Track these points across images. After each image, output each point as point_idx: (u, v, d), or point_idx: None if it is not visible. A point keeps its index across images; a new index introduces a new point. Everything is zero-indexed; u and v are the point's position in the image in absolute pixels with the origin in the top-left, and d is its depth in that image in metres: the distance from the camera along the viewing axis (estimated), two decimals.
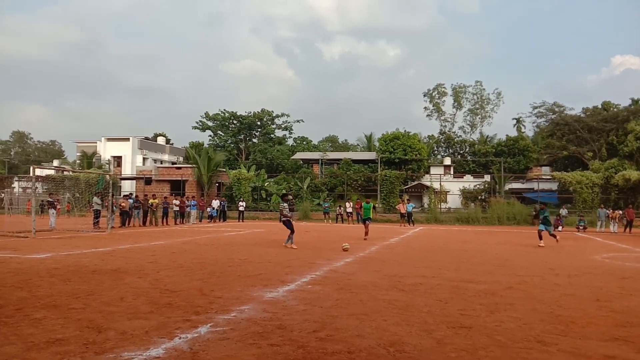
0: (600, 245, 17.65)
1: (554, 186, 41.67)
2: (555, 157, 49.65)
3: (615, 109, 51.46)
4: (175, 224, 28.13)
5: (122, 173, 52.37)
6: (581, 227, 27.05)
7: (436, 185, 41.45)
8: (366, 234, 17.90)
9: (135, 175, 49.59)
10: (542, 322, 5.66)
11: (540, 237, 16.57)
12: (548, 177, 44.43)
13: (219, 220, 32.12)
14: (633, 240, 20.69)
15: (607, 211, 27.63)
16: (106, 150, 56.05)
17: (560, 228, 27.17)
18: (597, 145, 45.96)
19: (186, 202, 30.22)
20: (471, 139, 61.19)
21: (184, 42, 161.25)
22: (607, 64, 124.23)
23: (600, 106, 54.61)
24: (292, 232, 14.34)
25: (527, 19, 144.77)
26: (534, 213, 31.55)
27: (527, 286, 8.19)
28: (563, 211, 29.82)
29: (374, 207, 25.38)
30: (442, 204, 40.76)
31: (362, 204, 18.55)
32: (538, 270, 10.25)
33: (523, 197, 41.20)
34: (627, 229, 24.92)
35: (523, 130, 62.60)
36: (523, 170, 48.59)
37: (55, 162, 62.64)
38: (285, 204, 14.89)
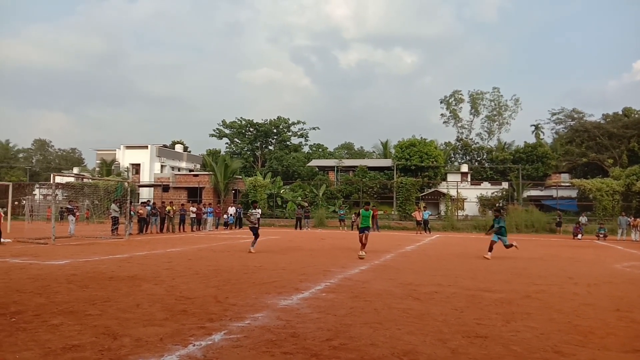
0: (621, 254, 17.28)
1: (573, 193, 41.01)
2: (574, 164, 48.91)
3: (636, 115, 50.53)
4: (192, 230, 28.34)
5: (140, 180, 52.97)
6: (601, 235, 26.53)
7: (453, 193, 41.11)
8: (363, 247, 14.21)
9: (153, 183, 50.15)
10: (559, 332, 5.56)
11: (490, 249, 14.59)
12: (567, 184, 43.75)
13: (235, 227, 32.27)
14: None
15: (629, 219, 27.05)
16: (125, 158, 56.81)
17: (580, 236, 26.71)
18: (617, 152, 45.15)
19: (203, 209, 30.46)
20: (488, 146, 60.66)
21: (203, 51, 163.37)
22: (628, 70, 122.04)
23: (620, 112, 53.67)
24: (256, 238, 15.36)
25: (546, 26, 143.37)
26: (558, 220, 31.15)
27: (545, 295, 8.05)
28: (583, 219, 29.27)
29: (374, 216, 23.56)
30: (459, 211, 40.35)
31: (361, 211, 14.87)
32: (556, 279, 10.08)
33: (542, 204, 40.59)
34: None
35: (542, 137, 61.88)
36: (542, 177, 47.94)
37: (75, 170, 63.65)
38: (255, 211, 16.03)
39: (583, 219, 29.21)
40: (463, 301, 7.38)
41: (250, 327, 5.53)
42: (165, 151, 60.35)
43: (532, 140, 59.29)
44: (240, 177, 47.48)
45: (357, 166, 50.35)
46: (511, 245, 14.79)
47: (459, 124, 64.93)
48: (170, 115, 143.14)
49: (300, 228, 32.38)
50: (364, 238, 14.27)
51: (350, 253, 15.25)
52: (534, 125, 64.07)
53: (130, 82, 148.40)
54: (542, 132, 62.45)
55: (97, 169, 56.91)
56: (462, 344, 4.99)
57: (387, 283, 9.08)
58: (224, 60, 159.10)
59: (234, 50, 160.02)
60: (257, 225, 15.67)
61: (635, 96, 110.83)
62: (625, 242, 24.77)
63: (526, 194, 42.31)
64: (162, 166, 56.82)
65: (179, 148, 65.10)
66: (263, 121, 68.61)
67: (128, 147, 57.74)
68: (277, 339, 5.02)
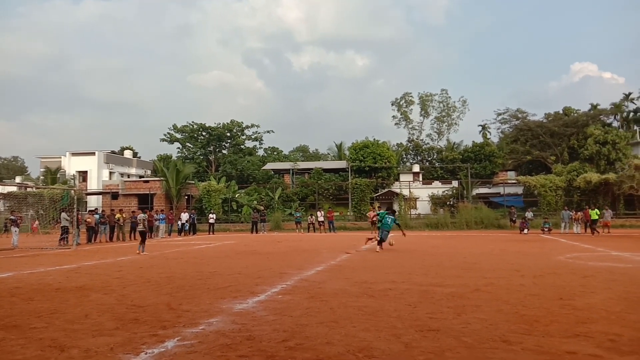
0: (564, 246, 18.16)
1: (519, 190, 42.75)
2: (519, 162, 50.99)
3: (575, 114, 53.26)
4: (135, 238, 27.53)
5: (88, 188, 51.08)
6: (546, 229, 27.78)
7: (406, 192, 42.00)
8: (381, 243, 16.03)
9: (101, 190, 48.44)
10: (507, 322, 5.78)
11: (380, 243, 15.88)
12: (513, 181, 45.59)
13: (189, 234, 31.64)
14: (595, 240, 21.38)
15: (571, 213, 28.50)
16: (71, 165, 54.64)
17: (526, 231, 27.87)
18: (559, 149, 47.42)
19: (155, 215, 29.68)
20: (439, 146, 62.32)
21: (152, 54, 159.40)
22: (567, 71, 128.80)
23: (561, 111, 56.44)
24: (144, 241, 16.77)
25: (492, 29, 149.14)
26: (512, 218, 32.34)
27: (494, 288, 8.36)
28: (528, 214, 30.59)
29: (330, 217, 24.07)
30: (411, 210, 41.25)
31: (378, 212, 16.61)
32: (504, 272, 10.47)
33: (490, 201, 42.12)
34: (588, 230, 25.65)
35: (488, 136, 64.24)
36: (489, 175, 49.72)
37: (18, 179, 60.60)
38: (143, 216, 17.89)
39: (529, 214, 30.53)
40: (416, 296, 7.56)
41: (205, 332, 5.45)
42: (114, 157, 58.51)
43: (479, 139, 61.52)
44: (193, 182, 46.63)
45: (312, 168, 50.54)
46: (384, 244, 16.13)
47: (410, 126, 66.42)
48: (119, 120, 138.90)
49: (257, 232, 32.16)
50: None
51: (307, 255, 15.30)
52: (481, 126, 66.54)
53: (76, 87, 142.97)
54: (488, 131, 64.87)
55: (41, 177, 54.37)
56: (415, 338, 5.11)
57: (342, 282, 9.16)
58: (174, 63, 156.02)
59: (184, 53, 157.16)
60: (145, 230, 17.40)
61: (574, 96, 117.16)
62: (568, 234, 26.04)
63: (475, 191, 43.79)
64: (110, 173, 55.05)
65: (128, 154, 63.30)
66: (216, 125, 67.70)
67: (74, 154, 55.58)
68: (233, 343, 4.97)
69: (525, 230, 27.95)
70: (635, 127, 57.47)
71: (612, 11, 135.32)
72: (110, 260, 14.53)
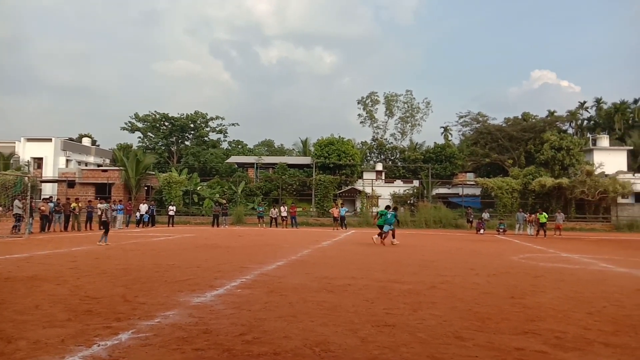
0: (518, 247, 18.81)
1: (477, 191, 43.91)
2: (478, 164, 52.37)
3: (533, 120, 55.10)
4: (100, 229, 26.79)
5: (43, 175, 49.14)
6: (501, 230, 28.68)
7: (368, 190, 42.44)
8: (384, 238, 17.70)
9: (57, 178, 46.72)
10: (461, 319, 5.96)
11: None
12: (472, 182, 46.75)
13: (148, 225, 30.98)
14: (547, 242, 22.23)
15: (525, 215, 29.52)
16: (25, 151, 52.36)
17: (482, 231, 28.70)
18: (516, 153, 48.96)
19: (112, 206, 28.85)
20: (401, 146, 63.19)
21: (115, 39, 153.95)
22: (527, 78, 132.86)
23: (520, 117, 58.29)
24: (107, 232, 16.56)
25: (458, 33, 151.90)
26: (470, 219, 33.16)
27: (449, 285, 8.59)
28: (485, 215, 31.50)
29: (293, 213, 25.49)
30: (373, 208, 41.73)
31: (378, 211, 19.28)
32: (460, 271, 10.77)
33: (449, 201, 43.12)
34: (540, 232, 26.64)
35: (450, 138, 65.64)
36: (449, 176, 50.84)
37: None
38: (105, 206, 17.50)
39: (485, 215, 31.46)
40: (374, 292, 7.68)
41: (161, 325, 5.37)
42: (72, 145, 56.51)
43: (441, 141, 62.73)
44: (154, 173, 45.63)
45: (277, 163, 50.32)
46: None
47: (375, 125, 67.00)
48: (78, 106, 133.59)
49: (218, 225, 31.81)
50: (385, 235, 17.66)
51: (269, 249, 15.28)
52: (443, 127, 67.89)
53: (34, 69, 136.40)
54: (450, 133, 66.27)
55: None
56: (372, 333, 5.21)
57: (303, 277, 9.21)
58: (138, 50, 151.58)
59: (149, 40, 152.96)
60: (108, 221, 17.04)
61: (533, 102, 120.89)
62: (522, 236, 26.98)
63: (435, 191, 44.70)
64: (67, 161, 53.11)
65: (86, 142, 61.21)
66: (179, 115, 66.33)
67: (29, 140, 53.30)
68: (189, 336, 4.92)
69: (482, 231, 28.77)
70: (589, 135, 60.00)
71: (572, 22, 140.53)
72: (64, 250, 14.09)
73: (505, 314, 6.34)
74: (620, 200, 37.99)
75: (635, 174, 42.64)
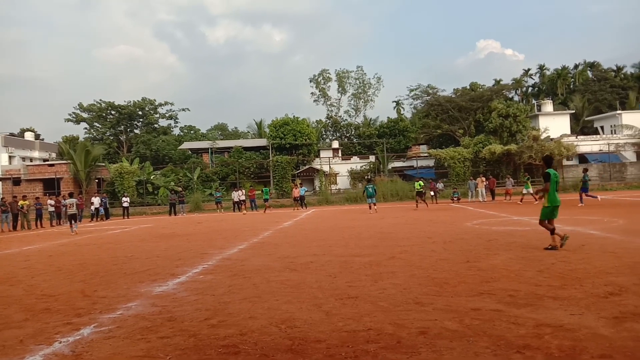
0: (472, 214, 19.47)
1: (431, 163, 44.95)
2: (431, 136, 53.45)
3: (481, 89, 56.59)
4: (52, 225, 25.85)
5: None
6: (455, 199, 29.58)
7: (326, 168, 42.68)
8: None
9: (0, 176, 44.47)
10: (420, 286, 6.19)
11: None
12: (425, 154, 47.78)
13: (102, 219, 30.09)
14: (498, 206, 23.13)
15: (476, 182, 30.52)
16: None
17: (432, 193, 29.49)
18: (466, 123, 50.24)
19: (62, 201, 27.81)
20: (356, 123, 63.67)
21: (51, 26, 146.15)
22: (473, 48, 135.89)
23: (468, 87, 59.79)
24: (76, 221, 19.05)
25: (405, 6, 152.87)
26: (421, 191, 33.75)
27: (408, 255, 8.86)
28: (439, 185, 32.34)
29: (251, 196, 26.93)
30: (332, 185, 42.08)
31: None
32: (417, 240, 11.10)
33: (405, 174, 44.02)
34: (495, 198, 27.44)
35: (402, 112, 66.73)
36: (404, 149, 51.75)
37: None
38: (72, 200, 19.18)
39: (440, 185, 32.30)
40: (336, 267, 7.83)
41: (123, 317, 5.30)
42: (14, 140, 53.81)
43: (394, 115, 63.62)
44: (104, 164, 44.13)
45: (232, 147, 49.67)
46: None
47: (328, 102, 67.12)
48: (17, 99, 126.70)
49: (175, 214, 31.25)
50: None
51: (229, 234, 15.20)
52: (395, 102, 68.88)
53: None
54: (402, 107, 67.34)
55: None
56: (336, 306, 5.34)
57: (265, 259, 9.25)
58: (76, 36, 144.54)
59: (87, 26, 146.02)
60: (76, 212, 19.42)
61: (480, 72, 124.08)
62: (475, 203, 27.93)
63: (391, 165, 45.48)
64: (10, 157, 50.62)
65: (29, 136, 58.47)
66: (126, 103, 64.17)
67: None
68: (153, 325, 4.89)
69: (432, 193, 29.34)
70: (534, 101, 62.32)
71: None
72: (15, 250, 13.53)
73: (461, 277, 6.62)
74: (565, 162, 39.88)
75: (578, 137, 44.84)
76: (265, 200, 30.58)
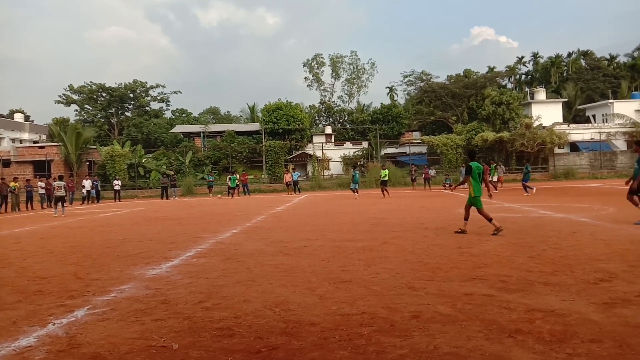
0: (464, 200, 19.49)
1: (423, 149, 45.04)
2: (424, 122, 53.51)
3: (474, 76, 56.56)
4: (42, 208, 25.69)
5: None
6: (447, 185, 29.72)
7: (319, 154, 42.63)
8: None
9: None
10: (412, 271, 6.23)
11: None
12: (418, 141, 47.82)
13: (94, 202, 29.92)
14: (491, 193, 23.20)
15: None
16: None
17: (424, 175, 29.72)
18: (459, 110, 50.31)
19: (53, 183, 27.60)
20: (349, 108, 63.50)
21: (42, 6, 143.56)
22: (467, 35, 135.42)
23: (462, 74, 59.67)
24: (63, 204, 19.08)
25: None
26: (413, 176, 33.81)
27: (400, 240, 8.91)
28: (432, 171, 32.44)
29: (244, 181, 26.90)
30: (325, 171, 42.09)
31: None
32: (410, 226, 11.17)
33: (397, 160, 44.09)
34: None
35: (395, 98, 66.56)
36: (396, 135, 51.76)
37: None
38: (60, 182, 19.18)
39: (432, 172, 32.39)
40: (329, 252, 7.86)
41: (117, 299, 5.30)
42: (3, 122, 53.19)
43: (387, 101, 63.52)
44: (95, 147, 43.77)
45: (224, 131, 49.38)
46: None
47: (322, 87, 66.76)
48: (6, 80, 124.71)
49: (167, 198, 31.14)
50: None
51: (222, 218, 15.19)
52: (388, 88, 68.64)
53: None
54: (395, 93, 67.17)
55: None
56: (329, 290, 5.37)
57: (259, 243, 9.27)
58: (66, 17, 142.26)
59: (78, 6, 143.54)
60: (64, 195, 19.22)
61: (474, 59, 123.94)
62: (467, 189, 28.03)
63: (383, 151, 45.53)
64: (0, 139, 50.03)
65: (19, 117, 57.75)
66: (117, 85, 63.36)
67: None
68: (147, 308, 4.90)
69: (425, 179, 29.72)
70: (527, 89, 62.39)
71: None
72: (6, 232, 13.44)
73: (453, 263, 6.67)
74: (557, 150, 40.12)
75: (570, 125, 45.04)
76: (232, 188, 30.63)
